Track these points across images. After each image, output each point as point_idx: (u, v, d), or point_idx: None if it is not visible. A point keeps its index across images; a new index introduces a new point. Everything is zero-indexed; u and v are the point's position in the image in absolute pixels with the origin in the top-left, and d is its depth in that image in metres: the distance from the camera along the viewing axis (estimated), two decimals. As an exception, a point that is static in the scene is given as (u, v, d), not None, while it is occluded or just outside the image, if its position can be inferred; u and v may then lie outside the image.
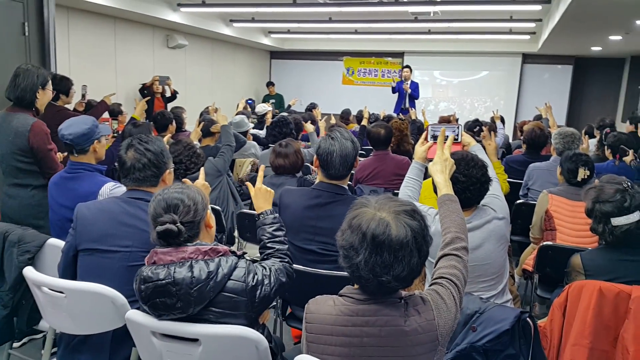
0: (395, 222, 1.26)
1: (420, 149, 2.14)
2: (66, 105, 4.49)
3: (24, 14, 4.25)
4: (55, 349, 2.10)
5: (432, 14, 7.22)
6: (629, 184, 2.05)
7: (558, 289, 2.80)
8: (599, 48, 8.78)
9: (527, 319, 1.80)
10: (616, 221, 2.00)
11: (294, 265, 2.02)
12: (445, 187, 1.75)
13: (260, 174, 2.01)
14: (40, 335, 2.94)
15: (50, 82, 3.08)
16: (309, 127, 4.93)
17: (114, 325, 1.83)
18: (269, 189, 1.95)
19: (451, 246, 1.49)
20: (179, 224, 1.54)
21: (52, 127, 4.29)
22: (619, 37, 7.30)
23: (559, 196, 3.03)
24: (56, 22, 4.54)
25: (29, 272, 1.94)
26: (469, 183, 2.06)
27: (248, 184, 2.00)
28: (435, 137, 2.14)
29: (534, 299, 3.24)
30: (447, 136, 2.04)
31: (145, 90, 7.75)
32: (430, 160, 2.49)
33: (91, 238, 1.88)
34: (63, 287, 1.83)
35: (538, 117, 6.67)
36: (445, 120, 6.75)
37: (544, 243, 2.85)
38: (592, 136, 5.58)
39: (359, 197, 1.39)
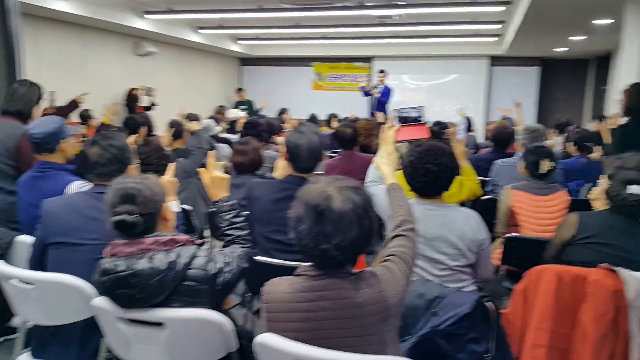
0: (338, 195, 1.32)
1: (389, 132, 2.20)
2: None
3: (-12, 23, 4.19)
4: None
5: (397, 18, 7.29)
6: None
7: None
8: (564, 49, 9.01)
9: (486, 303, 1.87)
10: (634, 189, 2.04)
11: (263, 257, 2.05)
12: (391, 177, 1.86)
13: (210, 161, 1.98)
14: (15, 335, 2.91)
15: (41, 97, 3.14)
16: (279, 140, 4.96)
17: (82, 316, 1.84)
18: (223, 175, 1.94)
19: (400, 228, 1.57)
20: (134, 216, 1.54)
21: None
22: (580, 38, 7.52)
23: (522, 191, 3.04)
24: (25, 31, 4.49)
25: None
26: (439, 172, 2.10)
27: (200, 170, 1.98)
28: (401, 120, 2.20)
29: (503, 292, 3.28)
30: (412, 118, 2.11)
31: (130, 97, 7.88)
32: (400, 142, 2.55)
33: (58, 232, 1.90)
34: (32, 279, 1.85)
35: (505, 118, 6.83)
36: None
37: (509, 234, 2.90)
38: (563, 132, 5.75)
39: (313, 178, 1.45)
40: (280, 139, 4.97)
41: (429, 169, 2.09)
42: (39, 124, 2.55)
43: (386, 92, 8.83)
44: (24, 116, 3.01)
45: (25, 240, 2.22)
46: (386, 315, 1.35)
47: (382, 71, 8.95)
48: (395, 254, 1.47)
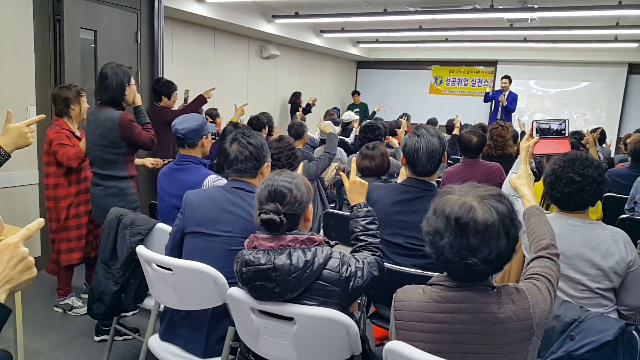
0: (480, 206, 1.25)
1: (525, 144, 2.09)
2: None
3: (137, 23, 4.65)
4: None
5: (529, 21, 6.95)
6: None
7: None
8: None
9: (634, 331, 1.69)
10: None
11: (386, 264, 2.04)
12: (533, 200, 1.76)
13: (354, 166, 2.03)
14: (131, 314, 3.19)
15: (132, 77, 3.20)
16: (394, 141, 4.91)
17: (213, 304, 1.95)
18: (363, 181, 1.97)
19: (546, 250, 1.49)
20: (282, 216, 1.59)
21: (154, 126, 4.64)
22: None
23: None
24: (164, 32, 4.91)
25: (141, 250, 2.11)
26: (584, 183, 1.97)
27: (342, 175, 2.03)
28: (540, 132, 2.10)
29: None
30: (554, 131, 2.00)
31: (293, 100, 9.07)
32: (536, 155, 2.42)
33: (197, 222, 2.02)
34: (171, 264, 1.98)
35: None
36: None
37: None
38: None
39: (444, 187, 1.39)
40: (394, 141, 4.92)
41: (572, 178, 1.97)
42: (184, 120, 2.76)
43: (512, 99, 8.46)
44: (117, 102, 3.09)
45: (164, 228, 2.40)
46: (530, 334, 1.26)
47: (506, 77, 8.55)
48: (540, 274, 1.39)
